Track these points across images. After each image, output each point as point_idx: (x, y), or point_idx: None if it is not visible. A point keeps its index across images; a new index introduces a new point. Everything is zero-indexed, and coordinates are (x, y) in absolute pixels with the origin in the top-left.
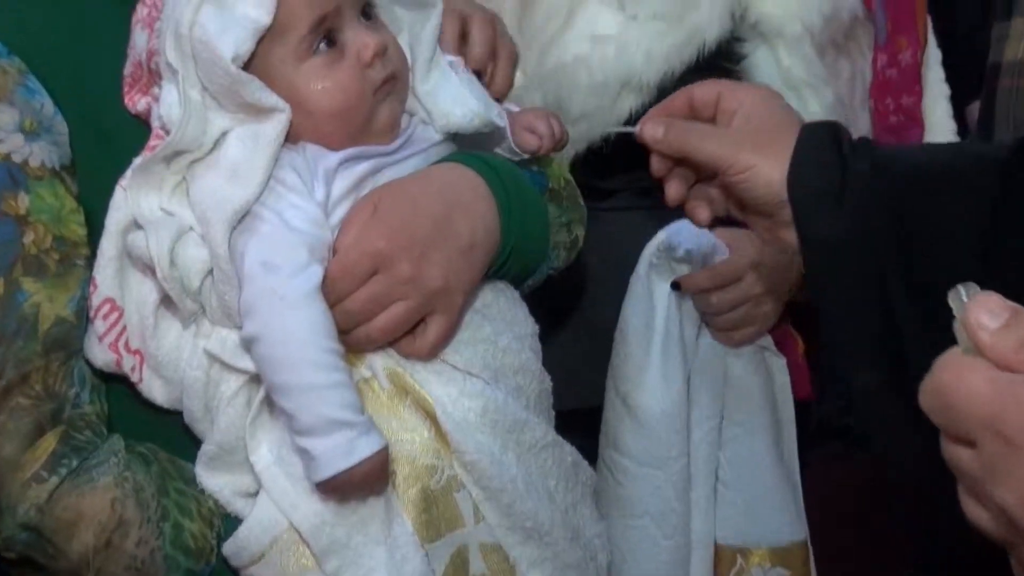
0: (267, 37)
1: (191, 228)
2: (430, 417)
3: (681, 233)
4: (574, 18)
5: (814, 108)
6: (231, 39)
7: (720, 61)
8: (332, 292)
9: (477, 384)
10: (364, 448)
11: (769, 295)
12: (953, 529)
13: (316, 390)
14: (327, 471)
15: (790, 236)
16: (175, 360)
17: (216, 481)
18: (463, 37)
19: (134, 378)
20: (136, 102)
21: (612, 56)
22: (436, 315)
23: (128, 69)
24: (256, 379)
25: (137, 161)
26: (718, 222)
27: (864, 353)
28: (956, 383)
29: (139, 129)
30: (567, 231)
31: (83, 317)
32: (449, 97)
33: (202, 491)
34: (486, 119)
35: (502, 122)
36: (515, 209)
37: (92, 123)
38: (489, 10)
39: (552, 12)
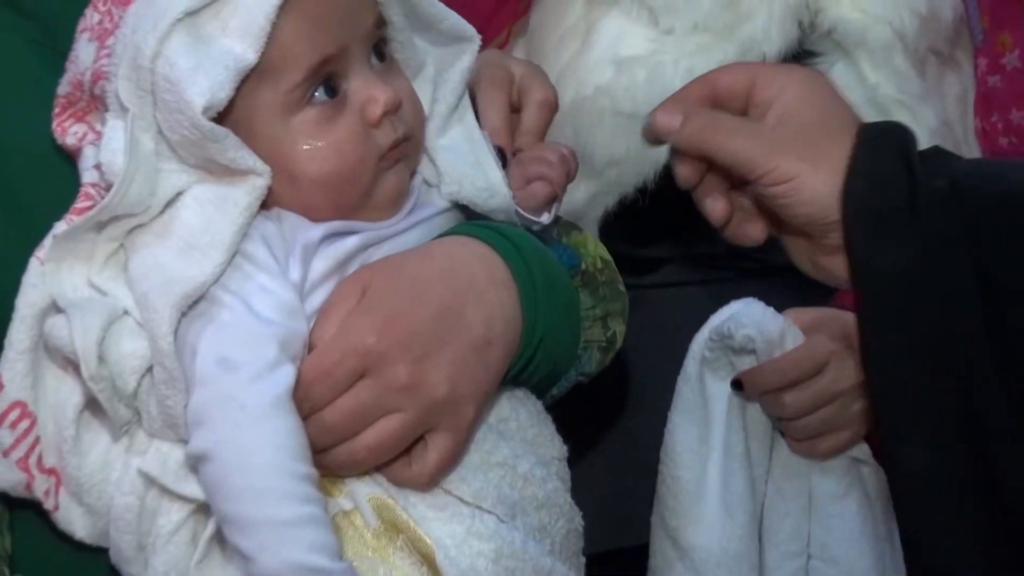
0: (252, 76)
1: (126, 312)
2: (428, 563)
3: (740, 316)
4: (593, 38)
5: None
6: (205, 82)
7: None
8: (307, 400)
9: (489, 522)
10: None
11: (861, 390)
12: None
13: (280, 527)
14: None
15: (837, 266)
16: (101, 483)
17: None
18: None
19: (48, 505)
20: (67, 131)
21: (643, 82)
22: (439, 432)
23: (64, 88)
24: (204, 509)
25: (60, 227)
26: (786, 302)
27: (923, 423)
28: None
29: (62, 176)
30: (603, 326)
31: None
32: (469, 161)
33: None
34: (508, 202)
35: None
36: (541, 297)
37: None
38: (539, 72)
39: (566, 33)
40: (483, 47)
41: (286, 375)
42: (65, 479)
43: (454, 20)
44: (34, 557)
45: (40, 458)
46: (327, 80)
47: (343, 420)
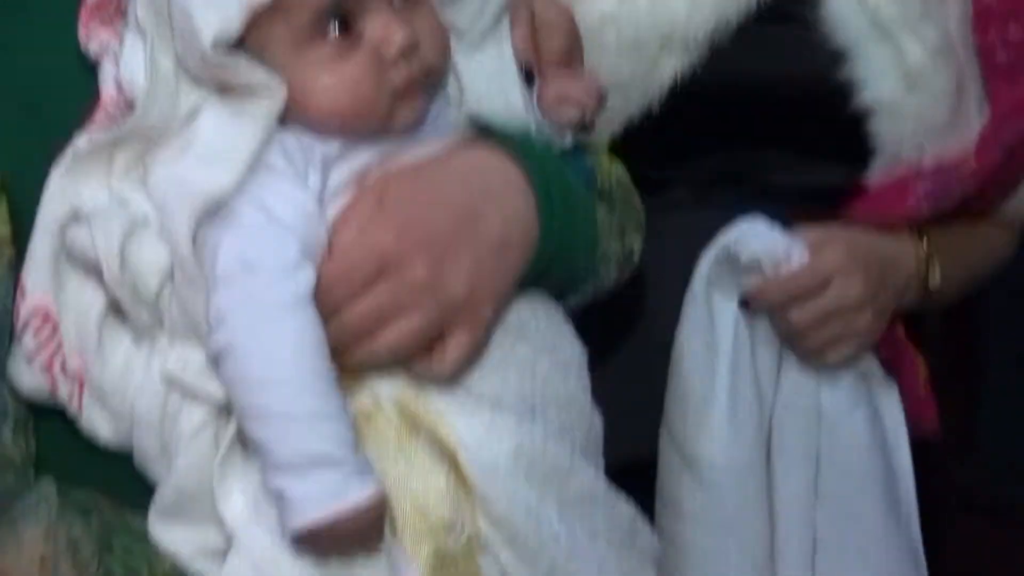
0: (265, 13)
1: (147, 218)
2: (449, 459)
3: (746, 235)
4: None
5: (916, 57)
6: (215, 16)
7: (788, 4)
8: (327, 301)
9: (509, 419)
10: (353, 493)
11: (867, 304)
12: None
13: (298, 418)
14: (303, 519)
15: None
16: (124, 386)
17: (174, 536)
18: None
19: (72, 408)
20: (91, 34)
21: (645, 7)
22: (458, 330)
23: None
24: (227, 409)
25: (80, 142)
26: (791, 220)
27: None
28: None
29: (81, 85)
30: (620, 239)
31: (4, 333)
32: (495, 83)
33: (156, 549)
34: (527, 126)
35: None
36: (558, 204)
37: (9, 80)
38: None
39: None
40: None
41: (307, 276)
42: (88, 383)
43: None
44: (58, 460)
45: (64, 363)
46: (342, 17)
47: (363, 321)
